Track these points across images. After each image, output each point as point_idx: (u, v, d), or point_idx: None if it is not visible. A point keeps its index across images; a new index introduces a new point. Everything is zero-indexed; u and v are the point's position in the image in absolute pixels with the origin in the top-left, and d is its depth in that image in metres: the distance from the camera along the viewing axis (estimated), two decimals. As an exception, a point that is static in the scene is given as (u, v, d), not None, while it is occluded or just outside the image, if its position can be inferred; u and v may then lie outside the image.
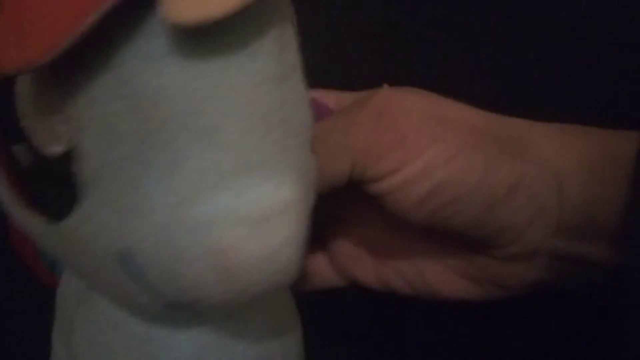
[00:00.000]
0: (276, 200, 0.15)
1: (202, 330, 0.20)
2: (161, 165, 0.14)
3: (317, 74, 0.18)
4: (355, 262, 0.26)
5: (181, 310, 0.17)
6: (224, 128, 0.14)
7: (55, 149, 0.14)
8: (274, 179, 0.15)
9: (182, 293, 0.16)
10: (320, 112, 0.24)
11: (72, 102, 0.14)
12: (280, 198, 0.15)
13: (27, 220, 0.17)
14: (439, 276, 0.24)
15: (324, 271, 0.26)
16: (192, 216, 0.15)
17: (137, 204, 0.15)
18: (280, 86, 0.15)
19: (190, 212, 0.15)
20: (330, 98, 0.24)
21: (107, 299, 0.20)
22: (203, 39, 0.14)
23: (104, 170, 0.14)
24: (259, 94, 0.15)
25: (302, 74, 0.16)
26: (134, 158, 0.14)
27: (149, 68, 0.14)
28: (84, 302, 0.22)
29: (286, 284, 0.16)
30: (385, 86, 0.23)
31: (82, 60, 0.13)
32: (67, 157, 0.15)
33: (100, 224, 0.15)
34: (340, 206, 0.25)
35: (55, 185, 0.15)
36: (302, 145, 0.17)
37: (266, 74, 0.15)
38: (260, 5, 0.14)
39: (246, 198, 0.15)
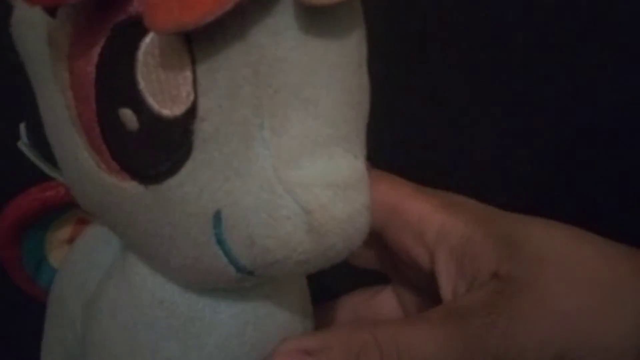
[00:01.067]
0: (356, 169, 0.18)
1: (244, 308, 0.21)
2: (271, 129, 0.16)
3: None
4: None
5: (250, 276, 0.18)
6: (323, 101, 0.17)
7: (175, 109, 0.16)
8: (353, 150, 0.18)
9: (267, 253, 0.17)
10: None
11: (201, 63, 0.16)
12: (358, 168, 0.18)
13: (112, 186, 0.17)
14: None
15: None
16: (291, 178, 0.16)
17: (244, 165, 0.16)
18: (358, 71, 0.18)
19: (289, 175, 0.16)
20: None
21: (154, 276, 0.20)
22: (315, 21, 0.16)
23: (221, 131, 0.16)
24: (348, 74, 0.17)
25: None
26: (250, 121, 0.16)
27: (272, 40, 0.16)
28: (113, 290, 0.22)
29: (356, 248, 0.18)
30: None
31: (217, 25, 0.15)
32: (183, 119, 0.16)
33: (203, 184, 0.16)
34: None
35: (161, 149, 0.16)
36: (364, 127, 0.19)
37: (352, 59, 0.17)
38: (353, 1, 0.17)
39: (335, 165, 0.17)
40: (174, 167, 0.16)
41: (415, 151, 0.26)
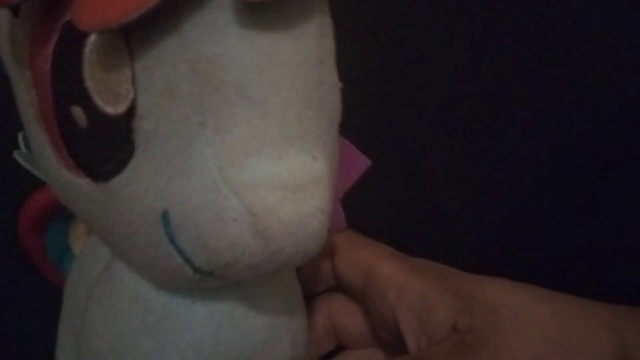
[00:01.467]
0: (310, 171, 0.17)
1: (219, 308, 0.21)
2: (213, 128, 0.16)
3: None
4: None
5: (211, 276, 0.18)
6: (271, 99, 0.16)
7: (118, 107, 0.16)
8: (309, 151, 0.17)
9: (218, 255, 0.17)
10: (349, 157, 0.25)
11: (139, 61, 0.16)
12: (313, 169, 0.17)
13: (71, 182, 0.18)
14: None
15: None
16: (237, 178, 0.16)
17: (186, 164, 0.16)
18: (319, 68, 0.17)
19: (235, 175, 0.16)
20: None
21: (130, 271, 0.21)
22: (259, 16, 0.16)
23: (160, 129, 0.16)
24: (302, 72, 0.16)
25: (335, 63, 0.18)
26: (190, 119, 0.16)
27: (211, 37, 0.15)
28: (102, 282, 0.22)
29: (313, 254, 0.17)
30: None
31: (153, 22, 0.15)
32: (124, 118, 0.16)
33: (148, 183, 0.16)
34: None
35: (107, 147, 0.17)
36: (332, 127, 0.18)
37: (308, 55, 0.17)
38: None
39: (285, 166, 0.16)
40: (119, 165, 0.16)
41: (415, 151, 0.25)
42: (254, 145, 0.16)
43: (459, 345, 0.22)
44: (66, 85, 0.17)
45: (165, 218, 0.17)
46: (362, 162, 0.26)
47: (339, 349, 0.29)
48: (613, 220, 0.26)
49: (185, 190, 0.16)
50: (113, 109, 0.16)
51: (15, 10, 0.17)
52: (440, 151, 0.28)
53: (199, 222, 0.16)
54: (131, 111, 0.16)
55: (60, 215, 0.28)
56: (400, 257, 0.27)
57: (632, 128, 0.22)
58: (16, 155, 0.25)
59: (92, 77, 0.16)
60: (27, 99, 0.18)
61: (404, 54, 0.27)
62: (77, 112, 0.16)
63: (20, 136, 0.25)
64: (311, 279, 0.27)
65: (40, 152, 0.18)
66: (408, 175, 0.25)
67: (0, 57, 0.20)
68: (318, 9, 0.17)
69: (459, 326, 0.22)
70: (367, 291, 0.26)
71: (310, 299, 0.27)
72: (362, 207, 0.25)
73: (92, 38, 0.16)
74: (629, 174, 0.26)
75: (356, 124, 0.22)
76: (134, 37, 0.15)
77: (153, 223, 0.17)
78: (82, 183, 0.17)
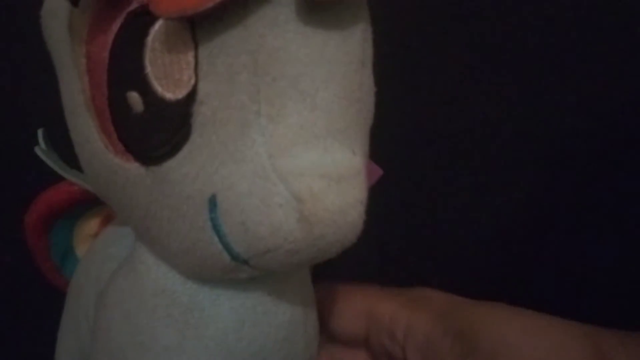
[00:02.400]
0: (352, 164, 0.18)
1: (243, 304, 0.21)
2: (267, 117, 0.17)
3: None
4: None
5: (245, 265, 0.18)
6: (320, 94, 0.17)
7: (177, 93, 0.17)
8: (350, 146, 0.18)
9: (259, 240, 0.17)
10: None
11: (203, 49, 0.16)
12: (354, 163, 0.18)
13: (118, 167, 0.18)
14: None
15: None
16: (285, 166, 0.17)
17: (239, 150, 0.17)
18: (361, 69, 0.18)
19: (284, 163, 0.17)
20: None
21: (157, 264, 0.21)
22: (315, 16, 0.17)
23: (218, 115, 0.17)
24: (348, 70, 0.18)
25: (372, 68, 0.19)
26: (247, 107, 0.17)
27: (272, 31, 0.16)
28: (122, 277, 0.22)
29: (349, 244, 0.18)
30: None
31: (219, 14, 0.16)
32: (184, 103, 0.17)
33: (200, 167, 0.17)
34: None
35: (162, 131, 0.17)
36: (367, 127, 0.19)
37: (354, 56, 0.18)
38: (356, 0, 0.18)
39: (330, 157, 0.17)
40: (173, 149, 0.17)
41: (415, 151, 0.26)
42: (303, 136, 0.17)
43: None
44: (124, 72, 0.17)
45: (212, 202, 0.17)
46: (374, 171, 0.27)
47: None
48: (613, 221, 0.27)
49: (235, 176, 0.17)
50: (172, 95, 0.17)
51: (74, 2, 0.18)
52: (440, 150, 0.29)
53: (245, 207, 0.17)
54: (191, 96, 0.17)
55: (65, 216, 0.28)
56: (394, 293, 0.27)
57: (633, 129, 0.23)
58: (37, 150, 0.25)
59: (154, 64, 0.17)
60: (76, 87, 0.19)
61: (404, 57, 0.27)
62: (134, 97, 0.17)
63: (40, 133, 0.26)
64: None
65: (86, 139, 0.19)
66: (407, 176, 0.25)
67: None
68: (363, 15, 0.18)
69: None
70: (373, 335, 0.27)
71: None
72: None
73: (157, 26, 0.17)
74: (630, 175, 0.27)
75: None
76: (199, 27, 0.16)
77: (199, 207, 0.17)
78: (131, 168, 0.18)
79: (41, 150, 0.25)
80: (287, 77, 0.17)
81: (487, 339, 0.24)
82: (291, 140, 0.17)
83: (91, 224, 0.28)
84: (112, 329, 0.22)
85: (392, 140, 0.26)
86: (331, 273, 0.28)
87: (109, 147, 0.18)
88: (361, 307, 0.27)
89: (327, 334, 0.27)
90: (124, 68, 0.17)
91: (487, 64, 0.30)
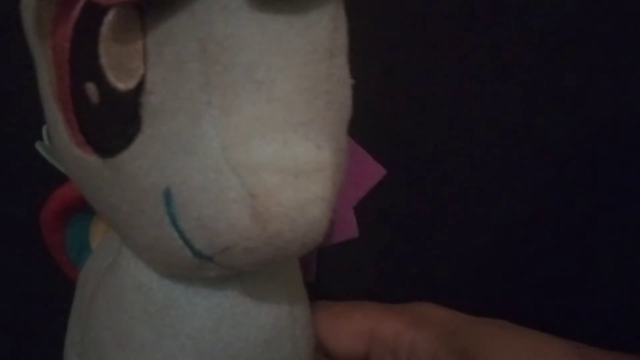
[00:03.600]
0: (313, 158, 0.17)
1: (220, 302, 0.20)
2: (219, 108, 0.16)
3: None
4: None
5: (210, 262, 0.18)
6: (278, 84, 0.16)
7: (128, 83, 0.16)
8: (314, 140, 0.17)
9: (217, 237, 0.17)
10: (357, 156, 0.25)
11: (151, 37, 0.16)
12: (317, 158, 0.17)
13: (80, 159, 0.18)
14: None
15: None
16: (239, 159, 0.16)
17: (190, 142, 0.16)
18: (329, 60, 0.17)
19: (237, 156, 0.16)
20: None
21: (136, 259, 0.21)
22: (274, 2, 0.16)
23: (167, 105, 0.16)
24: (311, 60, 0.17)
25: (347, 58, 0.18)
26: (197, 97, 0.16)
27: (222, 17, 0.16)
28: (109, 272, 0.22)
29: (312, 243, 0.17)
30: None
31: (169, 1, 0.15)
32: (134, 93, 0.16)
33: (152, 159, 0.17)
34: None
35: (116, 122, 0.17)
36: (340, 121, 0.18)
37: (319, 46, 0.17)
38: None
39: (288, 151, 0.16)
40: (126, 141, 0.17)
41: (414, 152, 0.25)
42: (258, 128, 0.16)
43: None
44: (82, 63, 0.17)
45: (167, 196, 0.17)
46: (377, 171, 0.26)
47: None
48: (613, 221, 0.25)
49: (188, 169, 0.16)
50: (124, 85, 0.16)
51: (42, -8, 0.18)
52: (439, 151, 0.28)
53: (200, 202, 0.16)
54: (140, 86, 0.16)
55: (82, 212, 0.29)
56: (395, 311, 0.26)
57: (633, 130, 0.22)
58: (38, 146, 0.26)
59: (107, 54, 0.16)
60: (46, 78, 0.19)
61: (403, 54, 0.27)
62: (91, 88, 0.17)
63: (44, 129, 0.26)
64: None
65: (55, 131, 0.19)
66: (406, 176, 0.24)
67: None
68: (333, 2, 0.17)
69: None
70: (375, 354, 0.26)
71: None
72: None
73: (110, 16, 0.16)
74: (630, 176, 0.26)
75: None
76: (147, 14, 0.16)
77: (155, 201, 0.17)
78: (91, 160, 0.18)
79: (42, 146, 0.25)
80: (240, 65, 0.16)
81: (492, 359, 0.23)
82: (245, 132, 0.16)
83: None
84: (97, 323, 0.22)
85: (390, 141, 0.25)
86: (330, 277, 0.27)
87: (72, 138, 0.18)
88: (362, 326, 0.26)
89: (326, 353, 0.27)
90: (82, 59, 0.17)
91: (488, 63, 0.29)
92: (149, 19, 0.16)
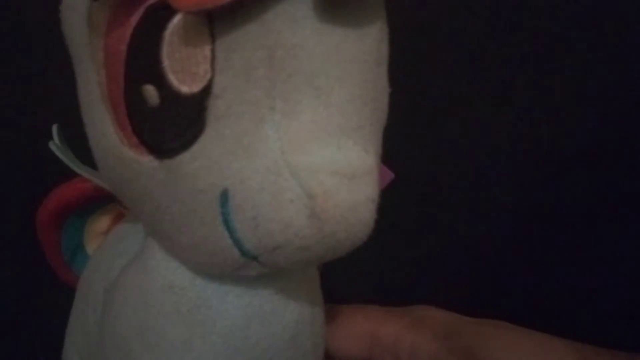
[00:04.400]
0: (364, 162, 0.18)
1: (251, 302, 0.21)
2: (282, 113, 0.17)
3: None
4: None
5: (254, 262, 0.18)
6: (335, 91, 0.17)
7: (193, 86, 0.17)
8: (363, 144, 0.18)
9: (269, 236, 0.17)
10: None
11: (220, 43, 0.17)
12: (367, 161, 0.18)
13: (132, 160, 0.18)
14: None
15: None
16: (298, 162, 0.17)
17: (252, 145, 0.17)
18: (376, 69, 0.18)
19: (296, 159, 0.17)
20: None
21: (167, 260, 0.21)
22: (333, 13, 0.17)
23: (233, 109, 0.17)
24: (364, 69, 0.18)
25: (387, 67, 0.19)
26: (262, 102, 0.17)
27: (290, 27, 0.17)
28: (132, 272, 0.23)
29: (360, 242, 0.18)
30: None
31: (238, 8, 0.16)
32: (199, 96, 0.17)
33: (213, 161, 0.17)
34: None
35: (177, 124, 0.17)
36: (381, 127, 0.19)
37: (369, 55, 0.18)
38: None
39: (343, 155, 0.17)
40: (187, 142, 0.17)
41: (414, 152, 0.26)
42: (316, 133, 0.17)
43: None
44: (141, 65, 0.17)
45: (224, 197, 0.17)
46: (385, 175, 0.27)
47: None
48: (613, 221, 0.26)
49: (248, 171, 0.17)
50: (188, 88, 0.17)
51: (95, -5, 0.18)
52: (439, 151, 0.29)
53: (257, 202, 0.17)
54: (206, 90, 0.17)
55: (77, 213, 0.28)
56: (397, 314, 0.27)
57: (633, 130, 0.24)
58: (51, 145, 0.25)
59: (171, 57, 0.17)
60: (93, 80, 0.19)
61: (402, 54, 0.28)
62: (149, 90, 0.17)
63: (54, 129, 0.26)
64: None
65: (102, 133, 0.19)
66: (406, 175, 0.25)
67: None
68: (380, 15, 0.18)
69: None
70: (377, 357, 0.27)
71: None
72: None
73: (175, 20, 0.17)
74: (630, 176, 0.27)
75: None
76: (217, 21, 0.17)
77: (211, 201, 0.18)
78: (145, 161, 0.18)
79: (55, 145, 0.25)
80: (303, 73, 0.17)
81: (492, 359, 0.24)
82: (304, 136, 0.17)
83: (102, 222, 0.29)
84: (119, 324, 0.22)
85: (390, 141, 0.26)
86: (331, 281, 0.28)
87: (123, 140, 0.18)
88: (364, 328, 0.27)
89: (327, 355, 0.27)
90: (141, 61, 0.17)
91: (489, 64, 0.30)
92: (219, 26, 0.17)
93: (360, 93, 0.18)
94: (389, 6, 0.19)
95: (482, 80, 0.31)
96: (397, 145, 0.28)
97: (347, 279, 0.28)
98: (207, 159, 0.17)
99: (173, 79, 0.17)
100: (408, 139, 0.30)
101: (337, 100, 0.17)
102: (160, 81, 0.17)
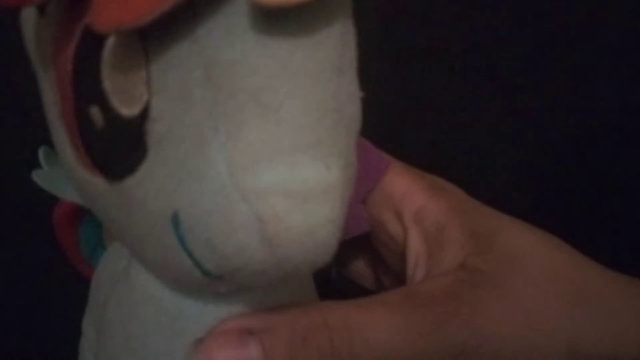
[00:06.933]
0: (323, 180, 0.17)
1: (230, 312, 0.21)
2: (226, 134, 0.16)
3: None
4: None
5: (220, 281, 0.18)
6: (285, 107, 0.16)
7: (133, 109, 0.16)
8: (323, 160, 0.17)
9: (226, 259, 0.17)
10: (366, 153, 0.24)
11: (154, 64, 0.16)
12: (326, 179, 0.17)
13: (87, 181, 0.18)
14: None
15: None
16: (246, 184, 0.16)
17: (197, 168, 0.16)
18: (338, 78, 0.17)
19: (245, 181, 0.16)
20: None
21: (145, 271, 0.21)
22: (277, 23, 0.15)
23: (173, 132, 0.16)
24: (319, 80, 0.16)
25: (356, 72, 0.18)
26: (203, 123, 0.16)
27: (226, 42, 0.15)
28: (122, 280, 0.23)
29: (321, 263, 0.17)
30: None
31: (169, 26, 0.15)
32: (138, 119, 0.16)
33: (159, 184, 0.16)
34: None
35: (121, 147, 0.17)
36: (349, 137, 0.18)
37: (327, 64, 0.16)
38: (329, 1, 0.16)
39: (297, 174, 0.16)
40: (132, 166, 0.17)
41: (413, 152, 0.25)
42: (266, 152, 0.16)
43: (460, 284, 0.20)
44: (86, 86, 0.17)
45: (175, 220, 0.17)
46: (383, 162, 0.25)
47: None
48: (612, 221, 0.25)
49: (196, 194, 0.16)
50: (128, 111, 0.16)
51: (41, 10, 0.17)
52: (439, 152, 0.28)
53: (209, 226, 0.16)
54: (145, 113, 0.16)
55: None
56: (417, 174, 0.24)
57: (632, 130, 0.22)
58: (34, 176, 0.25)
59: (109, 79, 0.16)
60: (51, 98, 0.18)
61: (402, 55, 0.26)
62: (95, 112, 0.17)
63: (40, 152, 0.26)
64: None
65: (62, 151, 0.19)
66: None
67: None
68: (340, 17, 0.17)
69: (467, 264, 0.21)
70: (374, 201, 0.25)
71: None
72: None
73: (111, 40, 0.16)
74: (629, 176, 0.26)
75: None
76: (150, 40, 0.16)
77: (164, 225, 0.17)
78: (98, 182, 0.18)
79: (38, 174, 0.25)
80: (246, 91, 0.16)
81: (505, 242, 0.21)
82: (252, 157, 0.16)
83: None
84: (110, 332, 0.22)
85: (389, 140, 0.25)
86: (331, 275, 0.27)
87: (78, 160, 0.18)
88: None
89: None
90: (86, 82, 0.17)
91: (488, 64, 0.28)
92: (152, 45, 0.16)
93: (316, 106, 0.16)
94: (359, 7, 0.17)
95: (483, 80, 0.29)
96: (397, 145, 0.27)
97: (346, 277, 0.28)
98: (153, 182, 0.16)
99: (114, 101, 0.16)
100: (408, 139, 0.28)
101: (288, 116, 0.16)
102: (103, 103, 0.16)
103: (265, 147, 0.16)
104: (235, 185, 0.16)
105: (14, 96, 0.33)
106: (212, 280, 0.18)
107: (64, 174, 0.26)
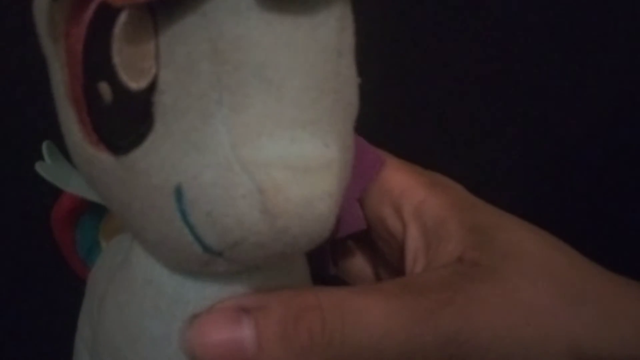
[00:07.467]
0: (321, 156, 0.17)
1: (229, 296, 0.21)
2: (229, 106, 0.16)
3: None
4: None
5: (220, 258, 0.18)
6: (287, 83, 0.17)
7: (141, 82, 0.17)
8: (321, 137, 0.17)
9: (227, 232, 0.17)
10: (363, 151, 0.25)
11: (163, 37, 0.16)
12: (324, 155, 0.17)
13: (94, 157, 0.19)
14: None
15: None
16: (248, 156, 0.17)
17: (201, 140, 0.17)
18: (336, 59, 0.18)
19: (247, 153, 0.17)
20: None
21: (145, 255, 0.21)
22: (280, 2, 0.16)
23: (179, 104, 0.17)
24: (319, 60, 0.17)
25: (354, 58, 0.19)
26: (208, 96, 0.16)
27: (233, 18, 0.16)
28: (121, 267, 0.23)
29: (319, 238, 0.18)
30: None
31: (178, 1, 0.16)
32: (146, 92, 0.17)
33: (164, 156, 0.17)
34: None
35: (128, 121, 0.17)
36: (347, 119, 0.19)
37: (327, 45, 0.17)
38: None
39: (296, 148, 0.17)
40: (138, 139, 0.17)
41: (413, 152, 0.25)
42: (267, 126, 0.17)
43: (457, 276, 0.20)
44: (95, 63, 0.18)
45: (178, 192, 0.17)
46: (378, 160, 0.26)
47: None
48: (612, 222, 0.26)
49: (199, 166, 0.17)
50: (136, 84, 0.17)
51: (55, -7, 0.18)
52: (438, 152, 0.28)
53: (210, 197, 0.17)
54: (152, 86, 0.17)
55: (92, 211, 0.29)
56: (416, 170, 0.25)
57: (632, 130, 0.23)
58: (37, 167, 0.26)
59: (120, 54, 0.17)
60: (59, 79, 0.19)
61: (402, 55, 0.27)
62: (104, 87, 0.17)
63: (44, 146, 0.26)
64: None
65: (68, 130, 0.19)
66: None
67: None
68: (340, 2, 0.18)
69: (465, 258, 0.21)
70: (372, 197, 0.25)
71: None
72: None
73: (122, 17, 0.17)
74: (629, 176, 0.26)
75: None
76: (159, 14, 0.16)
77: (167, 197, 0.17)
78: (104, 158, 0.18)
79: (42, 166, 0.26)
80: (250, 65, 0.16)
81: (504, 238, 0.22)
82: (255, 130, 0.17)
83: (117, 219, 0.29)
84: (108, 320, 0.23)
85: (389, 140, 0.25)
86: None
87: (85, 137, 0.18)
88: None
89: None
90: (96, 59, 0.18)
91: (488, 64, 0.29)
92: (161, 20, 0.16)
93: (316, 84, 0.17)
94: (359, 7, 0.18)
95: (483, 80, 0.30)
96: (397, 145, 0.28)
97: (345, 275, 0.28)
98: (158, 155, 0.17)
99: (123, 76, 0.17)
100: (407, 139, 0.29)
101: (290, 92, 0.17)
102: (112, 78, 0.17)
103: (267, 120, 0.17)
104: (237, 156, 0.17)
105: (14, 96, 0.34)
106: (211, 258, 0.19)
107: (67, 167, 0.27)
